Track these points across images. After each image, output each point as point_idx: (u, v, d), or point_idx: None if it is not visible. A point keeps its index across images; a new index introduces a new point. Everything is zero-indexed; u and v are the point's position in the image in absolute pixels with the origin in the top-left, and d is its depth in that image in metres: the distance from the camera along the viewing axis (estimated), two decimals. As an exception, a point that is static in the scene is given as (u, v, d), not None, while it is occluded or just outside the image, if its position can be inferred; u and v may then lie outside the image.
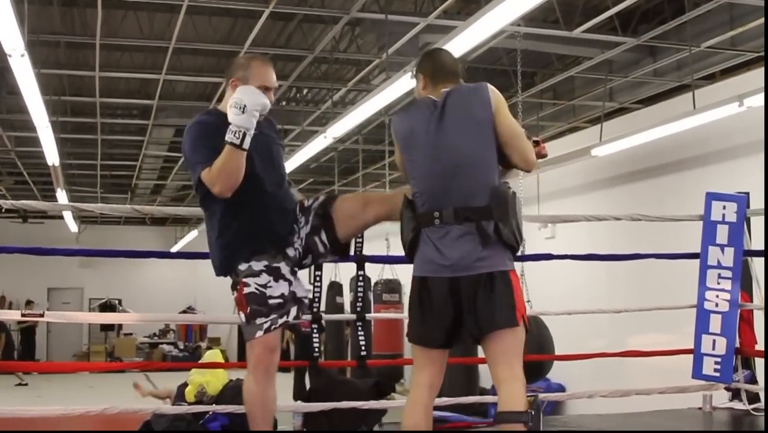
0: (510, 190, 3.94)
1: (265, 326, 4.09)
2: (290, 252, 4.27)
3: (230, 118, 3.90)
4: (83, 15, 10.26)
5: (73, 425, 6.04)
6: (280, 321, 4.11)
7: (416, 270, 3.99)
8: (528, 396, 3.83)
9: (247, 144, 3.92)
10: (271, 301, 4.11)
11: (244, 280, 4.15)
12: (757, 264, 6.40)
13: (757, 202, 6.60)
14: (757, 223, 6.54)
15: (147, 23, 10.46)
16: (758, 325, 6.37)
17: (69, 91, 13.32)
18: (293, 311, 4.16)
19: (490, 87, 4.03)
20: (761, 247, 6.53)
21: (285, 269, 4.17)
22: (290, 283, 4.16)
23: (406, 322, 4.14)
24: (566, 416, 11.03)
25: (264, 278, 4.13)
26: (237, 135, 3.89)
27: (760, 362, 6.60)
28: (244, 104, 3.90)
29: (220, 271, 4.31)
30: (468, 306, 3.82)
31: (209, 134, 4.05)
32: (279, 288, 4.12)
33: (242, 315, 4.18)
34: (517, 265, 11.65)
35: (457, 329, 3.89)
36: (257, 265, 4.13)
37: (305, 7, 9.58)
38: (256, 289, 4.12)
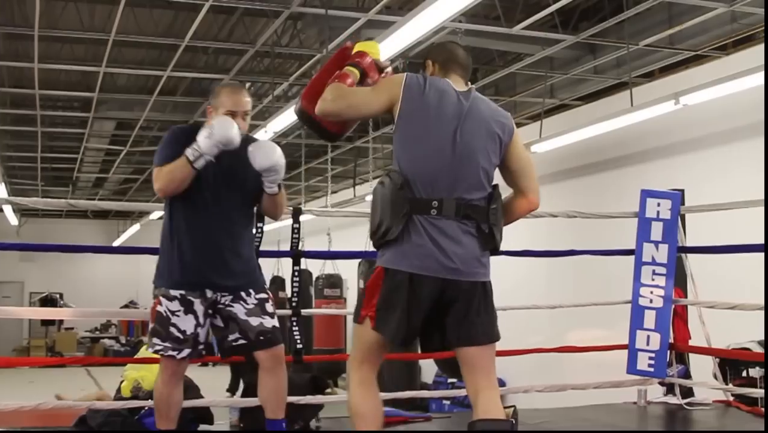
0: (501, 194, 3.87)
1: (158, 348, 4.30)
2: (209, 294, 4.30)
3: (198, 136, 4.12)
4: (22, 5, 10.15)
5: (7, 420, 5.99)
6: (171, 352, 4.27)
7: (398, 262, 3.64)
8: (506, 407, 3.96)
9: (198, 165, 4.12)
10: (172, 329, 4.26)
11: (159, 297, 4.33)
12: (691, 260, 6.48)
13: (692, 199, 6.69)
14: (692, 219, 6.63)
15: (87, 15, 10.37)
16: (692, 320, 6.45)
17: (8, 83, 13.16)
18: (185, 351, 4.28)
19: (511, 118, 3.99)
20: (694, 244, 6.63)
21: (199, 307, 4.28)
22: (198, 322, 4.28)
23: (349, 318, 4.12)
24: (505, 411, 11.10)
25: (175, 306, 4.28)
26: (194, 153, 4.11)
27: (693, 358, 6.69)
28: (212, 132, 4.08)
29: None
30: (460, 314, 3.67)
31: (178, 141, 4.22)
32: (185, 322, 4.26)
33: (149, 324, 4.38)
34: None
35: (420, 330, 3.75)
36: (174, 291, 4.29)
37: (246, 0, 9.54)
38: (165, 312, 4.29)
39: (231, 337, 4.33)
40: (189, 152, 4.11)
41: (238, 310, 4.31)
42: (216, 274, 4.27)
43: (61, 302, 26.40)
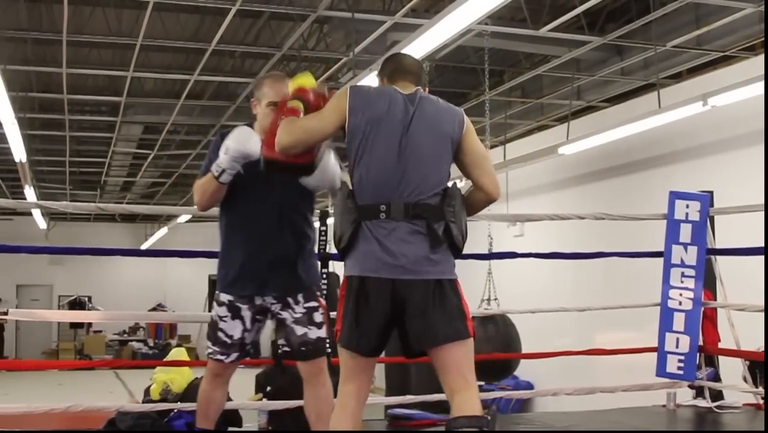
0: (460, 192, 3.79)
1: (208, 350, 4.35)
2: (257, 300, 4.26)
3: (221, 148, 4.08)
4: (50, 11, 10.20)
5: (37, 423, 6.02)
6: (219, 357, 4.30)
7: (352, 268, 3.70)
8: (485, 410, 3.82)
9: (224, 180, 4.09)
10: (219, 334, 4.28)
11: (214, 302, 4.38)
12: (720, 262, 6.45)
13: (721, 201, 6.65)
14: (721, 221, 6.59)
15: (114, 20, 10.42)
16: (722, 323, 6.42)
17: (37, 88, 13.24)
18: (233, 356, 4.30)
19: (463, 113, 3.91)
20: (724, 245, 6.59)
21: (246, 312, 4.27)
22: (245, 328, 4.27)
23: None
24: (533, 414, 11.08)
25: (223, 311, 4.28)
26: (217, 169, 4.08)
27: (723, 360, 6.66)
28: (227, 147, 4.03)
29: None
30: (414, 314, 3.62)
31: (219, 148, 4.16)
32: (232, 328, 4.26)
33: None
34: (485, 263, 11.77)
35: (388, 335, 3.71)
36: (224, 296, 4.29)
37: (273, 4, 9.56)
38: (215, 316, 4.31)
39: (280, 342, 4.32)
40: (213, 167, 4.09)
41: (287, 317, 4.25)
42: (262, 281, 4.22)
43: (90, 305, 26.53)
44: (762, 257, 6.67)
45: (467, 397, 3.64)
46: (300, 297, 4.26)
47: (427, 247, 3.63)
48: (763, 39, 9.81)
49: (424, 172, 3.68)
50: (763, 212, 6.21)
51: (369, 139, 3.71)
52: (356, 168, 3.73)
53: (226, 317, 4.25)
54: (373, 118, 3.71)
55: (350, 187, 3.73)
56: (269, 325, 4.45)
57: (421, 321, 3.62)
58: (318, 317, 4.29)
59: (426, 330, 3.62)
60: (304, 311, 4.26)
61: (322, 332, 4.29)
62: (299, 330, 4.23)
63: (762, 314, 5.87)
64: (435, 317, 3.61)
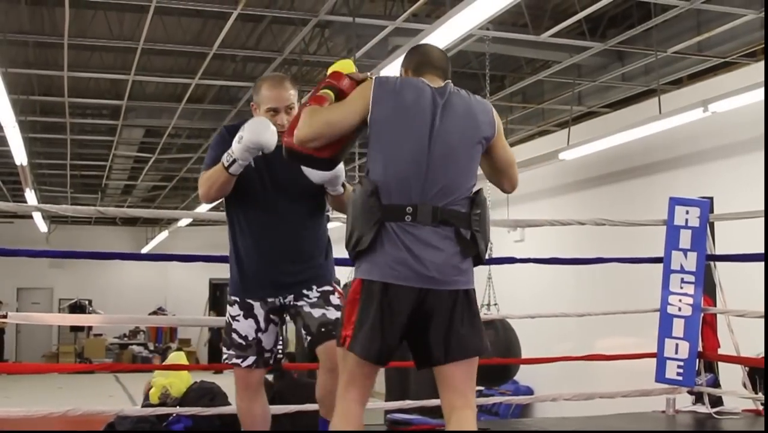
0: (486, 201, 3.59)
1: (224, 356, 4.13)
2: (270, 299, 4.08)
3: (235, 138, 3.90)
4: (52, 14, 10.21)
5: (36, 427, 6.02)
6: (235, 360, 4.07)
7: (373, 273, 3.40)
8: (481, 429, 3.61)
9: (234, 170, 3.90)
10: (234, 336, 4.08)
11: (227, 304, 4.20)
12: (720, 269, 6.45)
13: (721, 207, 6.65)
14: (721, 227, 6.59)
15: (116, 23, 10.43)
16: (721, 329, 6.42)
17: (38, 91, 13.26)
18: (250, 359, 4.05)
19: (494, 109, 3.70)
20: (724, 252, 6.59)
21: (259, 310, 4.07)
22: (258, 327, 4.06)
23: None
24: (532, 419, 11.11)
25: (235, 310, 4.10)
26: (228, 158, 3.88)
27: (722, 366, 6.65)
28: (241, 136, 3.84)
29: None
30: (441, 326, 3.41)
31: (225, 142, 3.99)
32: (245, 327, 4.06)
33: None
34: (484, 268, 11.76)
35: (396, 347, 3.47)
36: (235, 296, 4.13)
37: (274, 8, 9.58)
38: (228, 318, 4.13)
39: (303, 334, 4.06)
40: (224, 157, 3.89)
41: (302, 305, 4.03)
42: (274, 279, 4.04)
43: (90, 309, 26.54)
44: (762, 264, 6.68)
45: (465, 417, 3.47)
46: (313, 285, 4.06)
47: (458, 255, 3.44)
48: (764, 46, 9.81)
49: (453, 173, 3.46)
50: (762, 219, 6.22)
51: (394, 132, 3.47)
52: (377, 163, 3.48)
53: (238, 315, 4.06)
54: (399, 109, 3.47)
55: (374, 184, 3.44)
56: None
57: (449, 333, 3.41)
58: (334, 299, 4.07)
59: (455, 342, 3.42)
60: (318, 294, 4.04)
61: (340, 315, 3.92)
62: (317, 312, 4.00)
63: (761, 320, 5.87)
64: (465, 329, 3.44)
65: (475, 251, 3.49)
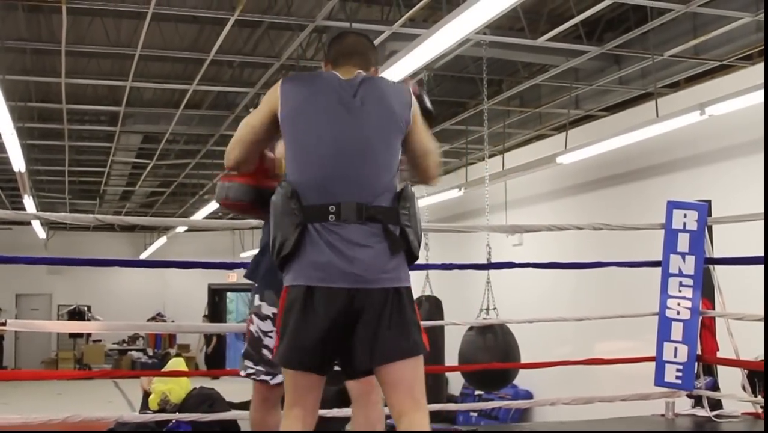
0: (415, 194, 3.41)
1: (250, 371, 3.93)
2: None
3: None
4: (49, 21, 10.22)
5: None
6: (264, 377, 3.89)
7: (296, 278, 3.27)
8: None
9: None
10: (264, 352, 3.86)
11: (252, 315, 3.95)
12: (718, 272, 6.46)
13: (719, 210, 6.66)
14: (719, 230, 6.61)
15: (113, 30, 10.43)
16: (720, 332, 6.43)
17: (36, 98, 13.25)
18: (279, 377, 3.72)
19: (410, 90, 3.53)
20: (722, 255, 6.60)
21: None
22: None
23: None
24: (531, 423, 11.12)
25: (268, 326, 3.85)
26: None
27: (721, 369, 6.66)
28: None
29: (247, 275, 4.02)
30: (368, 326, 3.23)
31: None
32: None
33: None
34: (483, 272, 11.73)
35: (335, 350, 3.30)
36: (267, 309, 3.87)
37: (271, 14, 9.58)
38: (257, 332, 3.90)
39: None
40: None
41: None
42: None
43: (89, 315, 26.54)
44: (761, 266, 6.69)
45: (417, 419, 3.30)
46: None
47: (387, 253, 3.26)
48: (762, 48, 9.83)
49: (373, 167, 3.31)
50: (762, 221, 6.23)
51: (304, 130, 3.34)
52: (293, 163, 3.36)
53: (271, 332, 3.76)
54: (306, 105, 3.35)
55: (292, 186, 3.31)
56: None
57: (375, 334, 3.24)
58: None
59: (382, 344, 3.24)
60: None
61: None
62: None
63: (761, 323, 5.87)
64: (392, 330, 3.24)
65: (404, 247, 3.32)
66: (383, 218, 3.26)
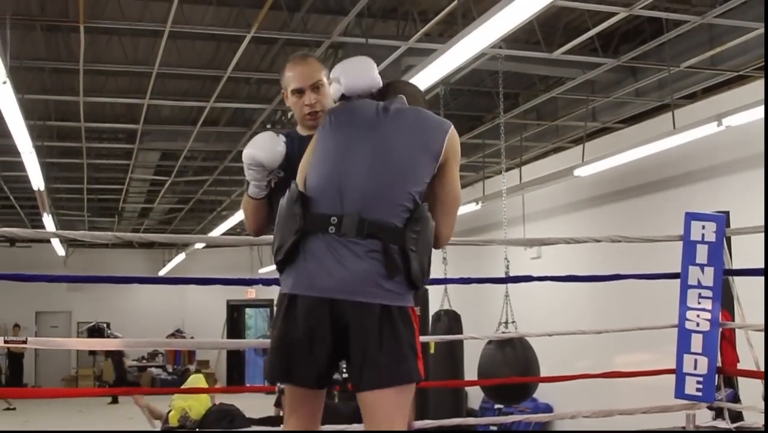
0: (431, 218, 3.23)
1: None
2: None
3: None
4: (67, 40, 10.28)
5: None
6: None
7: (284, 285, 3.20)
8: None
9: (253, 193, 3.64)
10: None
11: None
12: (738, 283, 6.44)
13: (737, 221, 6.65)
14: (737, 242, 6.59)
15: (131, 48, 10.48)
16: (740, 344, 6.40)
17: (54, 116, 13.32)
18: None
19: (453, 128, 3.41)
20: (742, 266, 6.58)
21: None
22: None
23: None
24: (552, 436, 11.05)
25: None
26: (246, 183, 3.66)
27: (742, 381, 6.64)
28: (243, 160, 3.58)
29: None
30: (357, 346, 3.08)
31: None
32: None
33: None
34: (501, 286, 11.72)
35: (328, 364, 3.18)
36: None
37: (288, 31, 9.62)
38: None
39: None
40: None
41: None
42: None
43: (109, 331, 26.57)
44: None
45: None
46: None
47: (380, 271, 3.09)
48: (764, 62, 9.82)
49: (386, 183, 3.19)
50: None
51: (328, 141, 3.32)
52: (312, 173, 3.30)
53: None
54: (340, 123, 3.36)
55: (299, 190, 3.26)
56: None
57: (364, 355, 3.07)
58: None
59: (370, 366, 3.07)
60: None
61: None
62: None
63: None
64: (382, 354, 3.06)
65: (403, 272, 3.12)
66: (385, 237, 3.11)
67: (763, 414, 6.39)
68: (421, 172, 3.25)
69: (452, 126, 3.40)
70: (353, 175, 3.19)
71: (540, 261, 14.60)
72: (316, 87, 3.67)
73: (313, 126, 3.59)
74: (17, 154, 11.36)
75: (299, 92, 3.66)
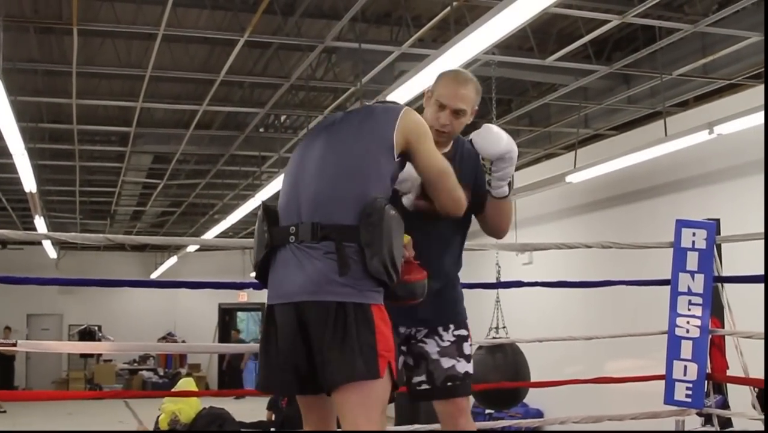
0: (391, 211, 3.16)
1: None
2: (401, 329, 3.68)
3: None
4: (60, 42, 10.28)
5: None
6: None
7: (268, 298, 3.28)
8: None
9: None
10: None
11: None
12: (728, 290, 6.46)
13: (728, 229, 6.67)
14: (728, 249, 6.61)
15: (124, 51, 10.49)
16: (730, 350, 6.42)
17: (47, 118, 13.32)
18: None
19: (408, 110, 3.40)
20: (731, 273, 6.60)
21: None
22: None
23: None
24: (542, 442, 11.06)
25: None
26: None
27: (731, 388, 6.65)
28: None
29: None
30: (316, 347, 3.10)
31: None
32: None
33: None
34: (492, 292, 11.75)
35: (306, 372, 3.15)
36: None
37: (281, 35, 9.63)
38: None
39: (416, 379, 3.71)
40: None
41: (431, 348, 3.70)
42: (415, 311, 3.55)
43: (100, 334, 26.54)
44: (770, 285, 6.70)
45: None
46: (451, 325, 3.74)
47: (333, 268, 3.11)
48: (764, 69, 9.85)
49: (338, 183, 3.22)
50: (770, 240, 6.23)
51: (291, 163, 3.44)
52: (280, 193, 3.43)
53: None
54: (305, 143, 3.46)
55: (263, 209, 3.34)
56: None
57: (322, 354, 3.09)
58: (467, 348, 3.75)
59: (327, 365, 3.08)
60: (453, 339, 3.72)
61: (470, 366, 3.74)
62: (446, 362, 3.67)
63: (770, 342, 5.88)
64: (335, 351, 3.05)
65: (360, 267, 3.11)
66: (337, 236, 3.13)
67: (752, 421, 6.42)
68: (376, 166, 3.26)
69: (405, 108, 3.41)
70: (308, 183, 3.26)
71: (531, 267, 14.62)
72: (457, 113, 3.67)
73: (435, 141, 3.52)
74: (9, 156, 11.34)
75: (441, 107, 3.68)
